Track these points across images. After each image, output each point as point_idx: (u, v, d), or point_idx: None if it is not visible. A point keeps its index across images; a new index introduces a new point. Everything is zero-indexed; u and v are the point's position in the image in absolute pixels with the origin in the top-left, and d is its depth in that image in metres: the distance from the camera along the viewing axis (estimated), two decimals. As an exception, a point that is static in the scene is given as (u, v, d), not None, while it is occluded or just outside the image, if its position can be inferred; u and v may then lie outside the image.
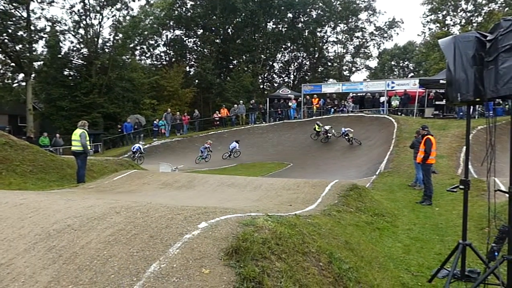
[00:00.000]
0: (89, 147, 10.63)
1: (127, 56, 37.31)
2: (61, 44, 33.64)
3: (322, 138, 23.87)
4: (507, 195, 3.70)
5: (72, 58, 35.02)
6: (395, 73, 58.91)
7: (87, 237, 3.24)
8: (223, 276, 2.66)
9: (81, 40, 34.56)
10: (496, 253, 3.84)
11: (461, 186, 4.35)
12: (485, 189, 9.20)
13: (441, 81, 20.02)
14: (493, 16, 34.23)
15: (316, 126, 24.20)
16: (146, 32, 38.85)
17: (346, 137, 22.02)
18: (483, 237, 5.82)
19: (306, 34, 49.11)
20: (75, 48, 35.08)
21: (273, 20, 47.77)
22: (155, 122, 29.07)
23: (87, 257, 2.91)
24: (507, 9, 35.42)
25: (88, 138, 10.49)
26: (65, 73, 34.78)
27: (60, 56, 33.34)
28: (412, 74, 55.53)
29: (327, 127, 23.45)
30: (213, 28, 44.75)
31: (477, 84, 3.87)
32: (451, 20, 41.06)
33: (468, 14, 39.79)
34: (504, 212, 4.22)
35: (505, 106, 20.63)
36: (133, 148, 22.24)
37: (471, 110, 5.12)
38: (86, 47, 34.56)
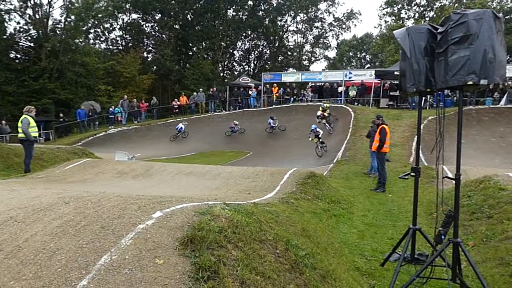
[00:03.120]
0: (33, 134, 9.95)
1: (80, 40, 35.47)
2: (5, 24, 31.34)
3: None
4: (453, 181, 3.89)
5: (19, 40, 32.79)
6: (353, 64, 60.55)
7: (32, 230, 3.04)
8: (177, 266, 2.60)
9: (29, 21, 32.39)
10: (443, 237, 4.03)
11: (412, 174, 4.53)
12: (434, 176, 9.66)
13: (396, 73, 20.69)
14: (444, 12, 35.87)
15: (321, 108, 22.66)
16: (100, 15, 36.96)
17: (315, 138, 18.02)
18: (432, 222, 6.12)
19: (267, 22, 49.05)
20: (22, 29, 32.87)
21: (234, 7, 47.21)
22: (111, 109, 28.00)
23: (31, 251, 2.73)
24: (456, 5, 37.17)
25: (32, 125, 9.82)
26: (11, 55, 32.58)
27: (4, 37, 31.10)
28: (368, 65, 57.38)
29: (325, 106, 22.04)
30: (172, 13, 43.49)
31: (428, 74, 4.00)
32: (405, 13, 42.65)
33: (422, 9, 41.50)
34: (451, 198, 4.44)
35: (453, 98, 21.77)
36: (177, 128, 24.41)
37: (423, 101, 5.32)
38: (34, 28, 32.45)
